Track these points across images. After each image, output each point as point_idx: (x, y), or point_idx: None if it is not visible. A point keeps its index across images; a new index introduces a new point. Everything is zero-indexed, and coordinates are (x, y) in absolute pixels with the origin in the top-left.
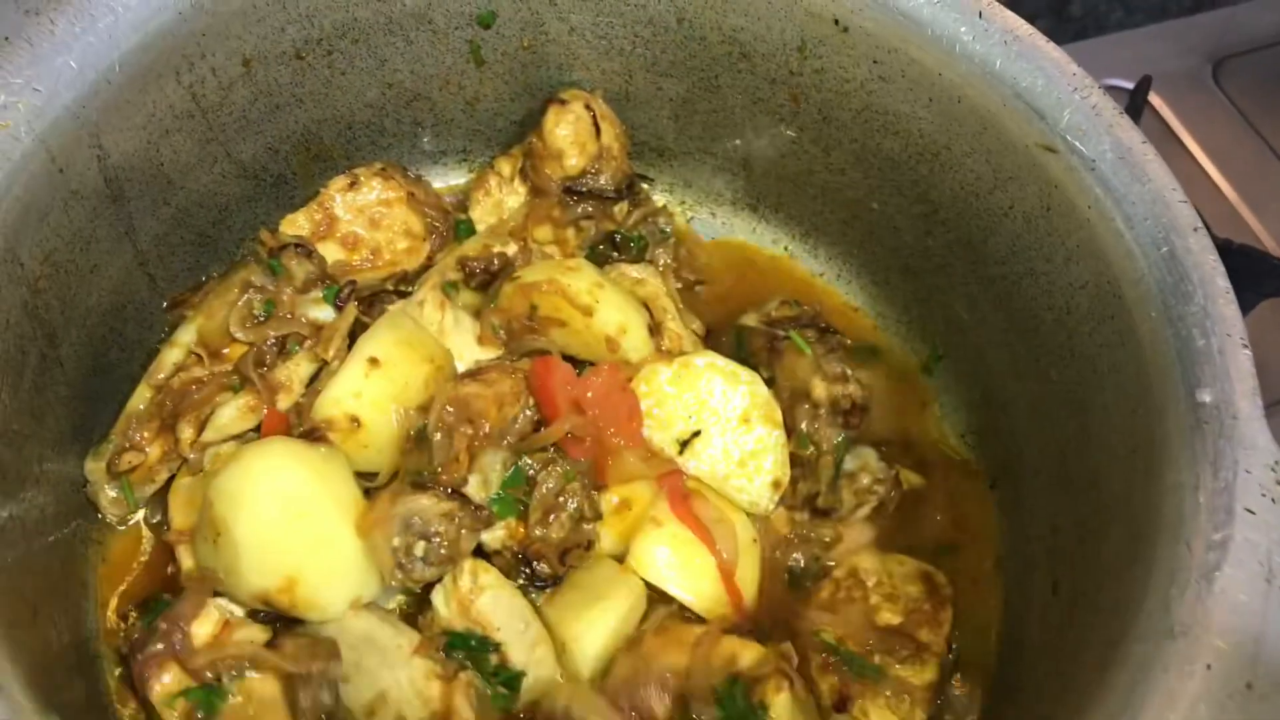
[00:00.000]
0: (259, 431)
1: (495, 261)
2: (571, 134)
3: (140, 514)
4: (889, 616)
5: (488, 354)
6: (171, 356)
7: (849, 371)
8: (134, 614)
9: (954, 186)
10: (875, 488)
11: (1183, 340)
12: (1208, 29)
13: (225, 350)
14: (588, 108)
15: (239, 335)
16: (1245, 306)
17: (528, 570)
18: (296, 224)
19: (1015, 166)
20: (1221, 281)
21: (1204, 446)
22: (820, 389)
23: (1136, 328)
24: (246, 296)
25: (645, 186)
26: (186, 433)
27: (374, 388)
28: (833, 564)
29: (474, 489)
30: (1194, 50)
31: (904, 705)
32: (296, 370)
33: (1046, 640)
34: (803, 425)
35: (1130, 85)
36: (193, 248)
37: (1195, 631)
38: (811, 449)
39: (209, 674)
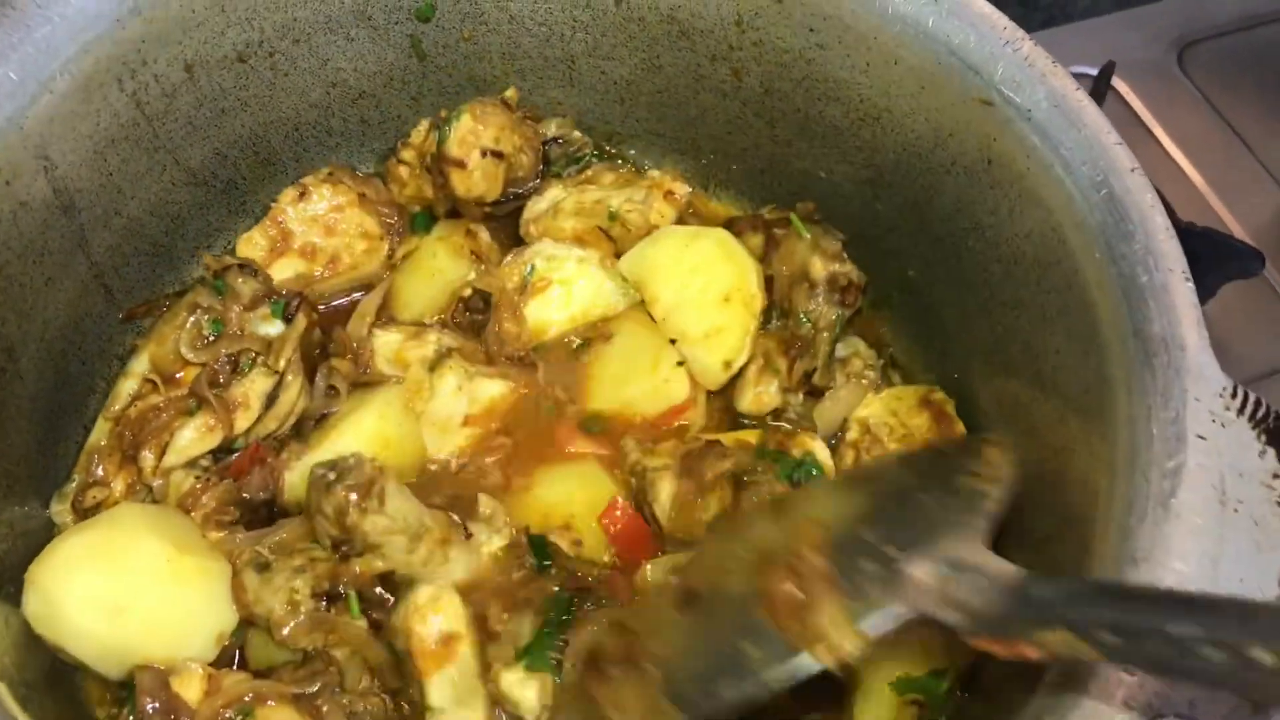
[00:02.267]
0: (230, 453)
1: (480, 301)
2: (480, 178)
3: None
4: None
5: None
6: (127, 387)
7: (844, 252)
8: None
9: (897, 148)
10: (866, 372)
11: (1126, 278)
12: (1173, 15)
13: (179, 375)
14: (484, 153)
15: (190, 356)
16: (1208, 289)
17: None
18: (253, 242)
19: (954, 123)
20: (1160, 219)
21: (1153, 379)
22: (819, 267)
23: (1082, 270)
24: (194, 318)
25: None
26: (148, 461)
27: None
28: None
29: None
30: (1159, 37)
31: None
32: (253, 387)
33: None
34: (801, 305)
35: (1095, 72)
36: (148, 258)
37: (1155, 556)
38: (808, 326)
39: None
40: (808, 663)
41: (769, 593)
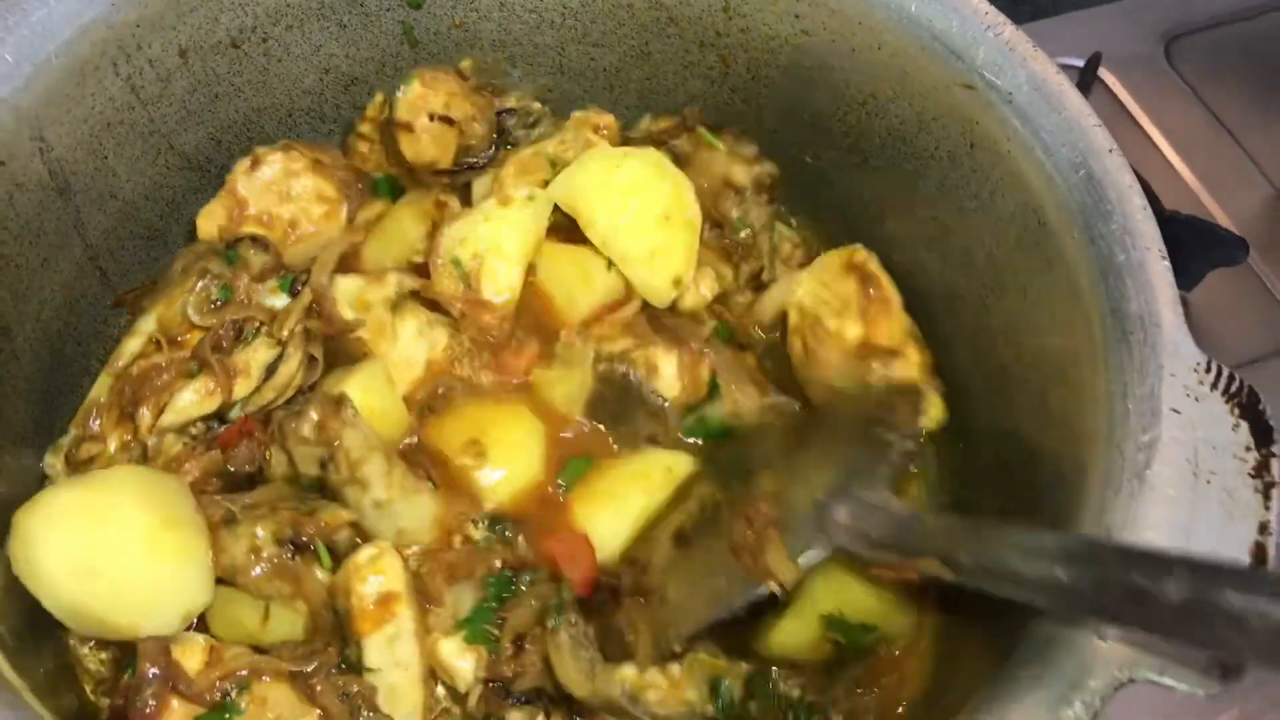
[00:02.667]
0: (222, 420)
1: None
2: (429, 143)
3: None
4: (853, 330)
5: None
6: (132, 345)
7: (759, 151)
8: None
9: (882, 133)
10: (795, 253)
11: (1105, 258)
12: (1160, 8)
13: (184, 338)
14: (431, 117)
15: (196, 320)
16: (1193, 277)
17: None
18: (212, 215)
19: (937, 107)
20: (1138, 199)
21: (1130, 355)
22: (741, 173)
23: (1063, 250)
24: (204, 282)
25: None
26: (145, 419)
27: None
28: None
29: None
30: (1147, 29)
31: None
32: (254, 355)
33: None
34: (731, 211)
35: (1082, 64)
36: (143, 241)
37: (1131, 528)
38: (745, 230)
39: (214, 695)
40: (761, 590)
41: (733, 537)
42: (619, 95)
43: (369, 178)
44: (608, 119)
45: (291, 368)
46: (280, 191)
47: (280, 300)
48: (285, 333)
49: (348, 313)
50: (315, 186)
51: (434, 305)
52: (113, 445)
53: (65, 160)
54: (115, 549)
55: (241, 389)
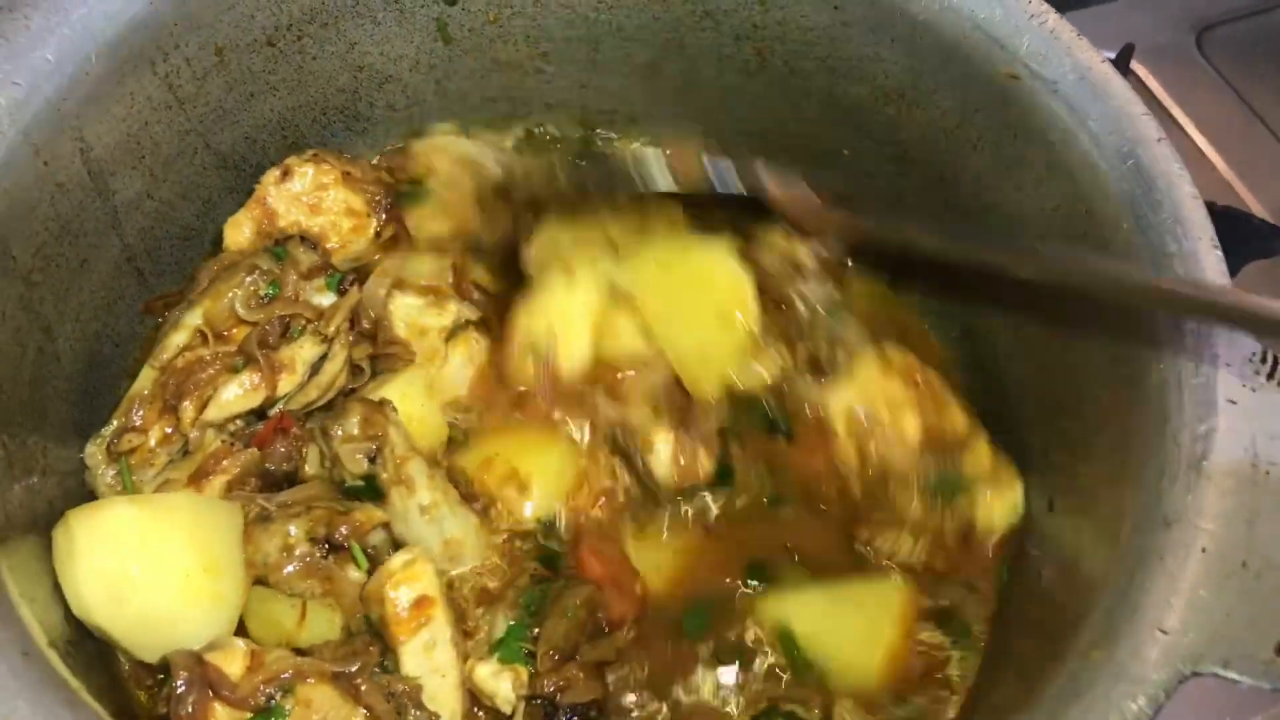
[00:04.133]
0: (260, 418)
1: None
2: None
3: None
4: (911, 424)
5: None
6: (177, 338)
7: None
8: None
9: (922, 125)
10: (860, 341)
11: (1155, 248)
12: None
13: (230, 333)
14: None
15: (244, 314)
16: (1231, 269)
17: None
18: (239, 225)
19: (980, 98)
20: (1188, 188)
21: (1183, 345)
22: (805, 252)
23: (1109, 241)
24: (253, 278)
25: None
26: (188, 412)
27: None
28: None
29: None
30: (1177, 20)
31: (1003, 484)
32: (300, 351)
33: (1046, 553)
34: (794, 291)
35: (1114, 56)
36: (179, 241)
37: (1188, 518)
38: (804, 308)
39: (258, 700)
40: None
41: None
42: (653, 90)
43: (397, 193)
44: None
45: (336, 366)
46: (310, 204)
47: (327, 299)
48: (332, 329)
49: (401, 332)
50: (345, 200)
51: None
52: (154, 438)
53: (104, 160)
54: (149, 585)
55: (286, 385)
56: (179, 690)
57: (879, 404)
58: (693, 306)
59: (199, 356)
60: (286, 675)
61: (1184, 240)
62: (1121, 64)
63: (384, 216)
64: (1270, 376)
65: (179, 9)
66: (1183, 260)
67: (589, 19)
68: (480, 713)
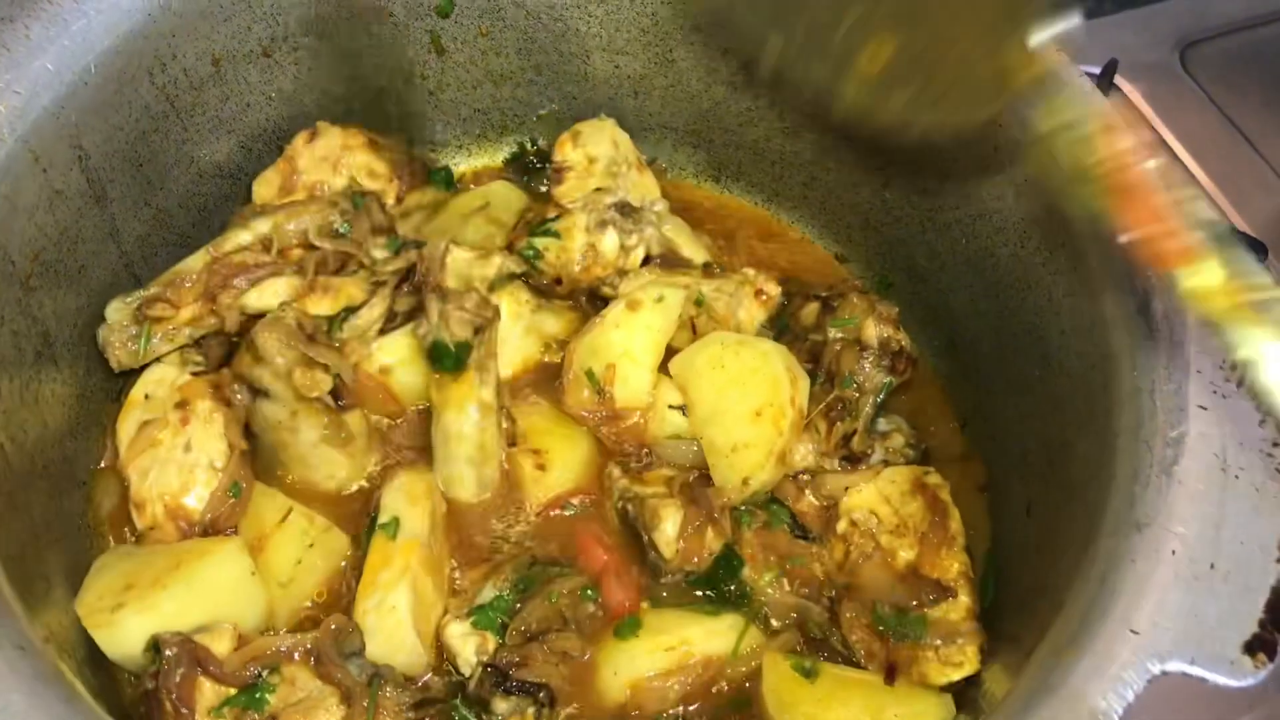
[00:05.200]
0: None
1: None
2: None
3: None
4: (905, 554)
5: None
6: (242, 237)
7: (899, 321)
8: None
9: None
10: (906, 450)
11: (1129, 256)
12: (1175, 16)
13: (290, 251)
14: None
15: (315, 240)
16: None
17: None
18: (267, 181)
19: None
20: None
21: (1156, 353)
22: (871, 330)
23: (1086, 251)
24: (335, 212)
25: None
26: (230, 295)
27: None
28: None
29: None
30: (1162, 37)
31: (955, 647)
32: (345, 286)
33: (1025, 559)
34: (848, 367)
35: (1098, 71)
36: (175, 249)
37: (1159, 521)
38: (853, 388)
39: (243, 677)
40: None
41: None
42: (643, 102)
43: (423, 164)
44: (774, 289)
45: (372, 316)
46: (334, 164)
47: (384, 256)
48: (387, 273)
49: (453, 282)
50: (367, 163)
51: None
52: (185, 314)
53: (102, 168)
54: None
55: (320, 307)
56: (167, 665)
57: (887, 519)
58: (733, 404)
59: (257, 259)
60: (282, 648)
61: None
62: (1105, 79)
63: (406, 186)
64: (1240, 383)
65: (176, 21)
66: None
67: (580, 32)
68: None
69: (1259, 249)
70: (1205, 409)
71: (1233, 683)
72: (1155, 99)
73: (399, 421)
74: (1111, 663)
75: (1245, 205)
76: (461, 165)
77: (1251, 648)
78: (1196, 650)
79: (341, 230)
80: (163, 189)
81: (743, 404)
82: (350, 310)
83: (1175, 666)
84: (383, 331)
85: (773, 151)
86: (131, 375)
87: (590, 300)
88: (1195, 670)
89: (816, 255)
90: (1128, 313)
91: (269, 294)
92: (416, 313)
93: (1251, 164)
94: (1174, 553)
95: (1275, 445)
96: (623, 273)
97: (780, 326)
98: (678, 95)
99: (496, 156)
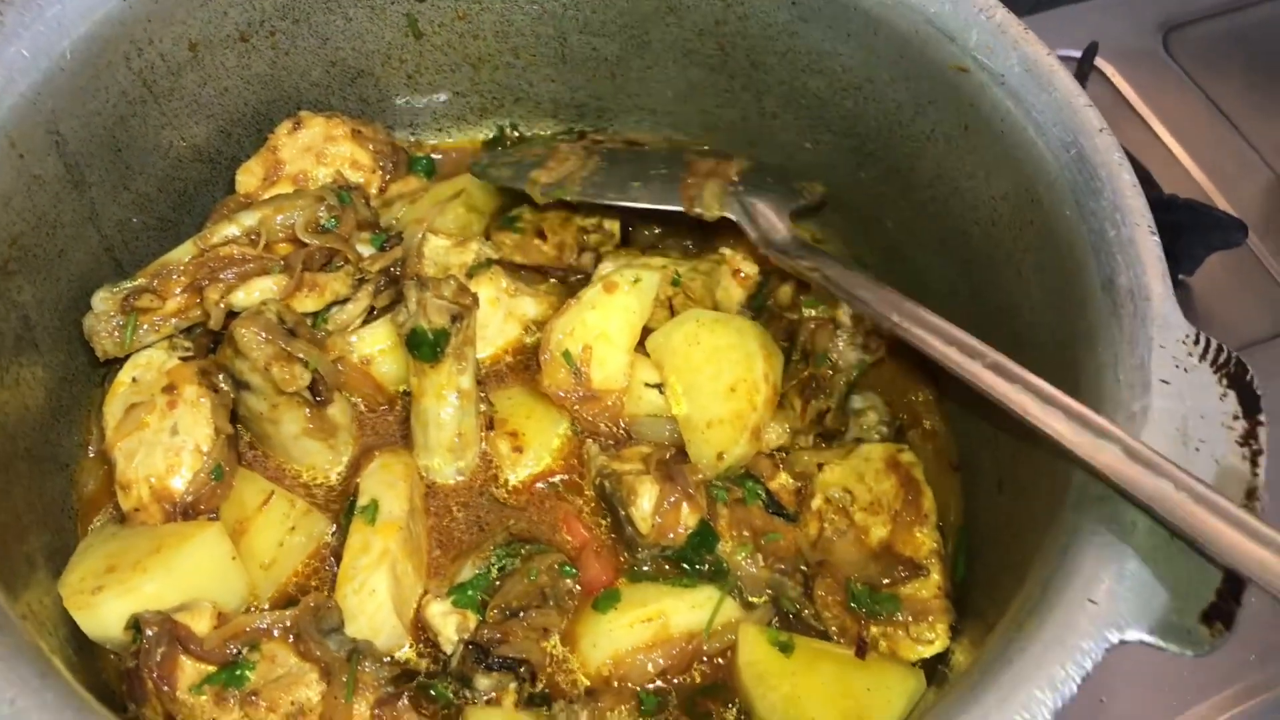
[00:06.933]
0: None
1: None
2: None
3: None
4: (879, 531)
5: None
6: (229, 230)
7: None
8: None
9: (879, 117)
10: (880, 428)
11: (1096, 234)
12: (1157, 0)
13: (276, 245)
14: None
15: (302, 235)
16: (1194, 260)
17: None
18: (250, 171)
19: (933, 90)
20: (1128, 176)
21: (1120, 328)
22: (844, 310)
23: (1054, 228)
24: (320, 208)
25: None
26: (216, 291)
27: None
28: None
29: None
30: (1144, 21)
31: (926, 624)
32: (332, 282)
33: (995, 536)
34: (823, 345)
35: (1079, 55)
36: (156, 233)
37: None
38: (828, 366)
39: (224, 654)
40: (677, 206)
41: (693, 163)
42: (620, 84)
43: (405, 153)
44: (752, 269)
45: (352, 313)
46: (318, 154)
47: (368, 252)
48: (374, 270)
49: (430, 270)
50: (351, 153)
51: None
52: (172, 305)
53: (80, 154)
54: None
55: (306, 304)
56: (148, 644)
57: (860, 496)
58: (709, 381)
59: (244, 253)
60: (262, 625)
61: (1123, 226)
62: (1086, 62)
63: (389, 176)
64: (1203, 358)
65: (153, 5)
66: (1121, 245)
67: (556, 14)
68: (422, 647)
69: (1238, 228)
70: (1168, 383)
71: (1189, 652)
72: (1138, 83)
73: (385, 410)
74: (1070, 633)
75: (1229, 188)
76: (441, 146)
77: (1209, 618)
78: (1154, 620)
79: (327, 225)
80: (142, 174)
81: (717, 380)
82: (334, 305)
83: (1134, 636)
84: (364, 324)
85: (749, 132)
86: (115, 361)
87: (564, 282)
88: (1153, 640)
89: None
90: (1093, 288)
91: (256, 292)
92: (397, 303)
93: (1234, 146)
94: (1134, 524)
95: (1235, 419)
96: (597, 256)
97: (758, 306)
98: (654, 77)
99: (476, 139)
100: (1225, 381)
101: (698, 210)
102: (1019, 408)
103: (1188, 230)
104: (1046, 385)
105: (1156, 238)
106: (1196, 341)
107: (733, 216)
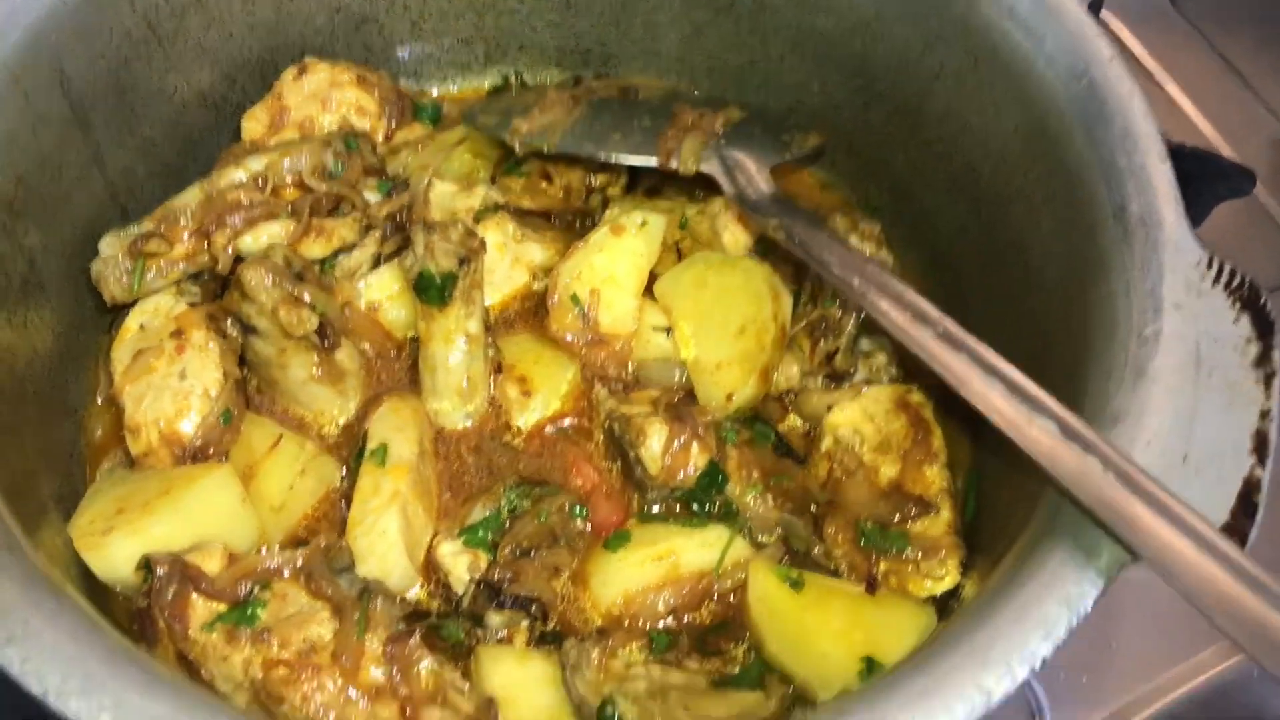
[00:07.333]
0: None
1: None
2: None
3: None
4: (888, 470)
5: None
6: (236, 174)
7: (883, 238)
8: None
9: (887, 56)
10: (889, 368)
11: (1106, 162)
12: None
13: (283, 190)
14: None
15: (309, 181)
16: (1201, 210)
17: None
18: (255, 117)
19: (940, 26)
20: (1138, 103)
21: (1132, 254)
22: (854, 247)
23: (1065, 158)
24: (327, 154)
25: None
26: (223, 236)
27: None
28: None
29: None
30: None
31: (936, 560)
32: (338, 228)
33: (1004, 474)
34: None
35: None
36: (161, 179)
37: (1133, 415)
38: (836, 306)
39: (235, 593)
40: (651, 161)
41: (678, 115)
42: (625, 29)
43: (410, 100)
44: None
45: (358, 259)
46: (323, 100)
47: (375, 199)
48: (380, 216)
49: (438, 215)
50: (357, 99)
51: (522, 216)
52: (180, 250)
53: (85, 95)
54: None
55: (313, 249)
56: (159, 584)
57: (870, 436)
58: (718, 323)
59: (251, 198)
60: (272, 565)
61: (1134, 154)
62: (1093, 12)
63: (394, 123)
64: (1215, 281)
65: None
66: (1132, 172)
67: None
68: (433, 588)
69: (1246, 176)
70: (1180, 307)
71: None
72: (1146, 38)
73: (393, 356)
74: (1084, 552)
75: (1238, 141)
76: (446, 95)
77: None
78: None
79: (334, 171)
80: (147, 118)
81: (726, 321)
82: (341, 251)
83: None
84: (371, 270)
85: (757, 76)
86: (123, 307)
87: (572, 227)
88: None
89: (802, 181)
90: (1104, 217)
91: (264, 237)
92: (404, 249)
93: (1241, 99)
94: (1148, 444)
95: (1248, 342)
96: (605, 199)
97: (764, 250)
98: (659, 20)
99: (481, 86)
100: (1238, 305)
101: (673, 165)
102: (957, 379)
103: (1195, 179)
104: (995, 357)
105: (1168, 165)
106: (1210, 266)
107: (709, 171)
